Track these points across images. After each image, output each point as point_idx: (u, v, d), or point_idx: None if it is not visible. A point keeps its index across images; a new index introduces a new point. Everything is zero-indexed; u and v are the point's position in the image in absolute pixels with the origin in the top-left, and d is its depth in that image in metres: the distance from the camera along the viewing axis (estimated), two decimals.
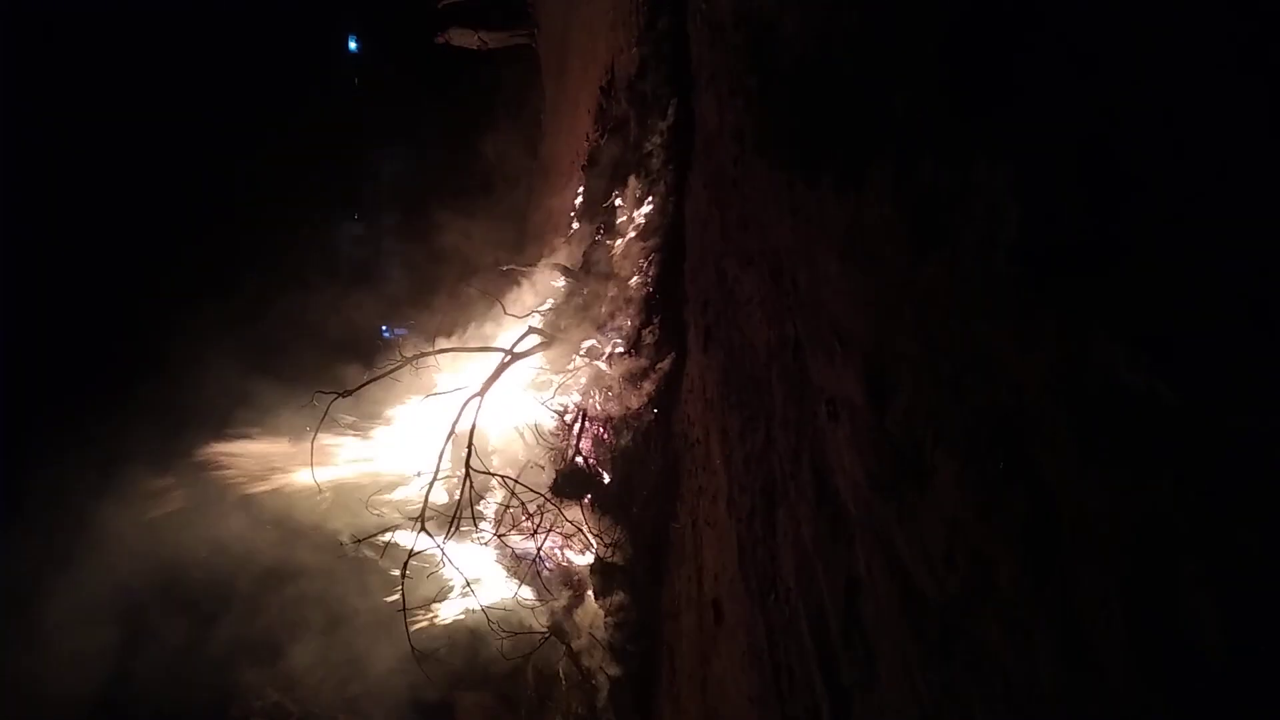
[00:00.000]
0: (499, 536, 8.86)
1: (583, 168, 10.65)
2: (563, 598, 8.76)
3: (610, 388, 8.25)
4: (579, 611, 8.53)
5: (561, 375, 8.87)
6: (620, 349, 8.14)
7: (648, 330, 7.77)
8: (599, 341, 8.45)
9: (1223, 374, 1.83)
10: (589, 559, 8.40)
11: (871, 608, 3.52)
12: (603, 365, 8.35)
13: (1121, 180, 2.15)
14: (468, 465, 8.24)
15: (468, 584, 8.73)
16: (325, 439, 9.16)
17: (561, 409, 9.05)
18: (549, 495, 8.36)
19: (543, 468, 8.74)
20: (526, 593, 9.27)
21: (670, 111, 7.70)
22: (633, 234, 8.35)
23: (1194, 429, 1.89)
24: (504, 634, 8.99)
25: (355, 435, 9.98)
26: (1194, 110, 1.97)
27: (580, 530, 8.28)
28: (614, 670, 8.09)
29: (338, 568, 10.31)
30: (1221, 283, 1.86)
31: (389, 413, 9.84)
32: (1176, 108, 2.02)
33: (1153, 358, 1.99)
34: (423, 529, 8.38)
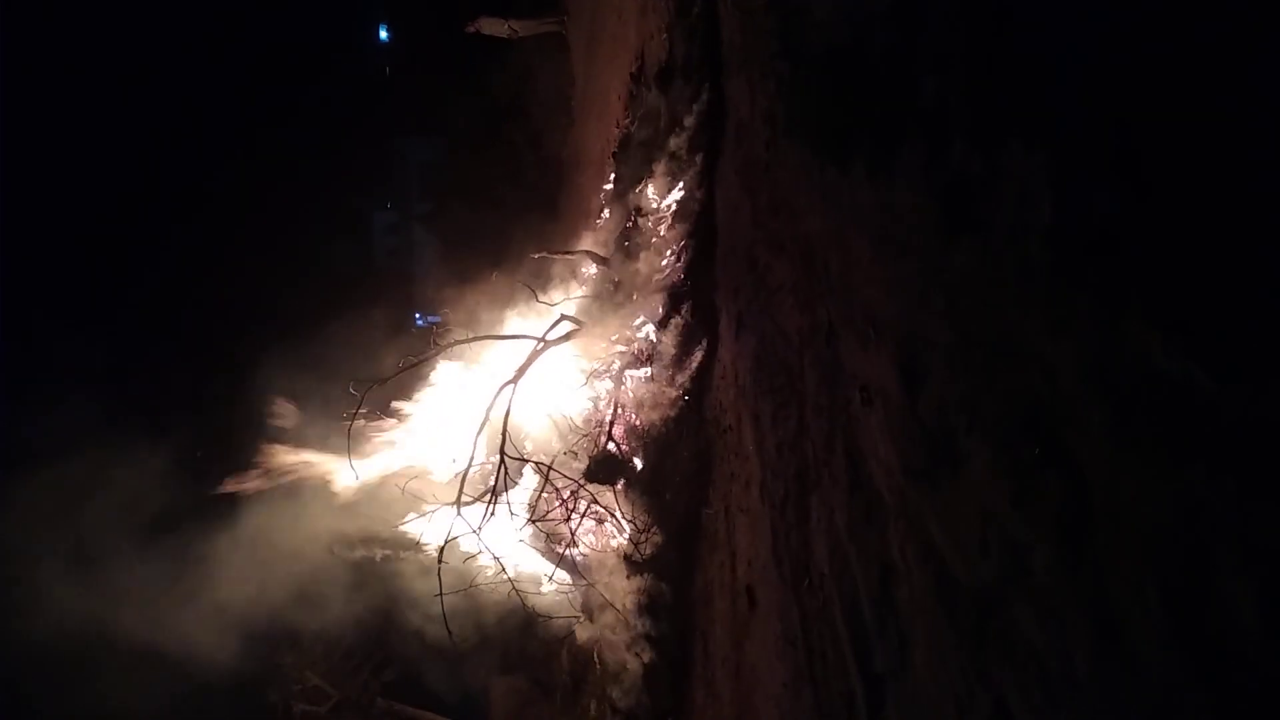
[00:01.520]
0: (534, 522, 8.91)
1: (613, 154, 10.64)
2: (596, 583, 8.80)
3: (642, 374, 8.26)
4: (613, 596, 8.57)
5: (594, 362, 8.89)
6: (652, 336, 8.14)
7: (679, 317, 7.77)
8: (631, 329, 8.46)
9: (1259, 360, 1.82)
10: (623, 544, 8.43)
11: (905, 594, 3.52)
12: (635, 352, 8.37)
13: (1157, 165, 2.13)
14: (502, 452, 8.29)
15: (503, 569, 8.79)
16: (363, 429, 9.27)
17: (594, 396, 9.08)
18: (582, 481, 8.40)
19: (576, 454, 8.77)
20: (561, 577, 9.33)
21: (701, 97, 7.68)
22: (664, 220, 8.34)
23: (1230, 415, 1.87)
24: (539, 619, 9.06)
25: (393, 423, 10.06)
26: (1231, 96, 1.95)
27: (613, 516, 8.31)
28: (647, 655, 8.13)
29: (375, 554, 10.42)
30: (1257, 269, 1.84)
31: (425, 401, 9.90)
32: (1213, 93, 1.99)
33: (1189, 343, 1.97)
34: (459, 515, 8.45)
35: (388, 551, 10.24)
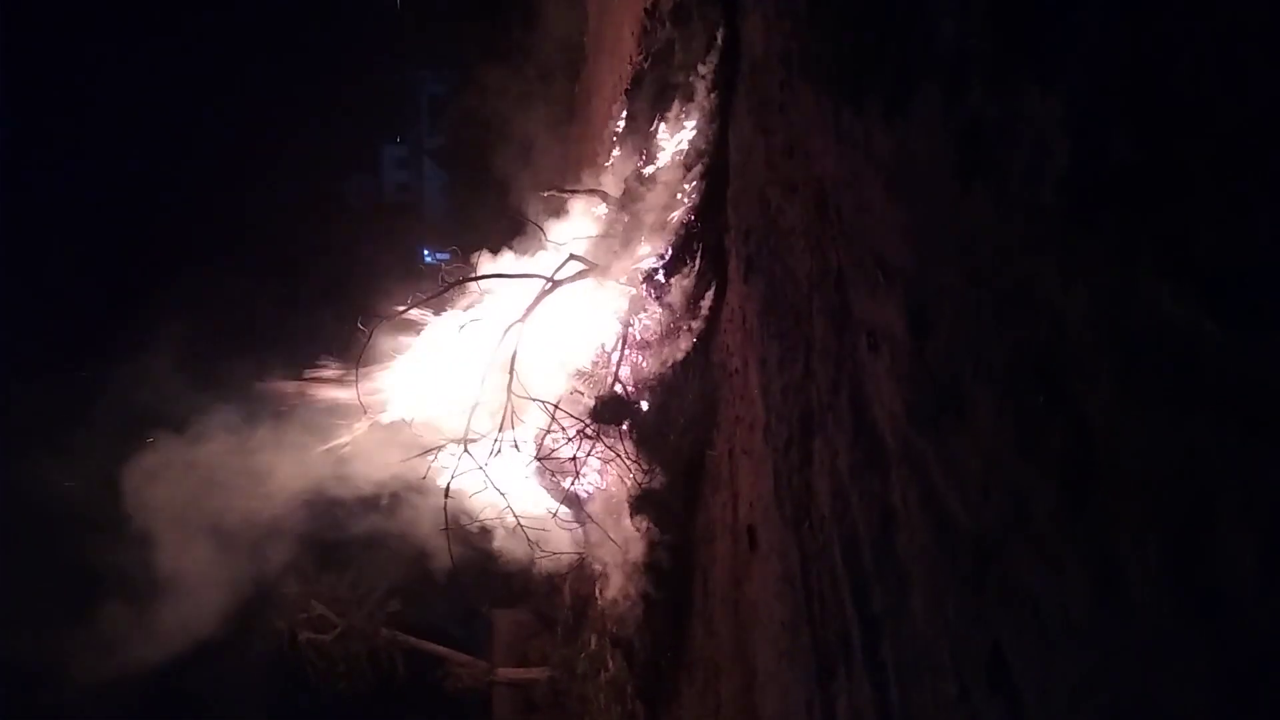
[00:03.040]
0: (539, 459, 8.97)
1: (625, 92, 10.51)
2: (600, 520, 8.90)
3: (650, 316, 8.26)
4: (616, 534, 8.66)
5: (602, 302, 8.88)
6: (661, 277, 8.12)
7: (688, 258, 7.74)
8: (639, 269, 8.44)
9: (1269, 310, 1.81)
10: (627, 483, 8.50)
11: (905, 538, 3.55)
12: (643, 293, 8.35)
13: (1173, 111, 2.10)
14: (509, 391, 8.33)
15: (508, 505, 8.88)
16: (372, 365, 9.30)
17: (602, 336, 9.08)
18: (588, 421, 8.44)
19: (583, 394, 8.81)
20: (565, 514, 9.43)
21: (716, 35, 7.56)
22: (675, 160, 8.26)
23: (1237, 365, 1.87)
24: (542, 554, 9.17)
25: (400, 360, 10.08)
26: (1249, 39, 1.91)
27: (618, 455, 8.37)
28: (649, 591, 8.25)
29: (381, 488, 10.52)
30: (1270, 219, 1.82)
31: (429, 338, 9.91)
32: (1230, 36, 1.95)
33: (1199, 295, 1.96)
34: (465, 451, 8.52)
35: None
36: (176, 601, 12.59)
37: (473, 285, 9.48)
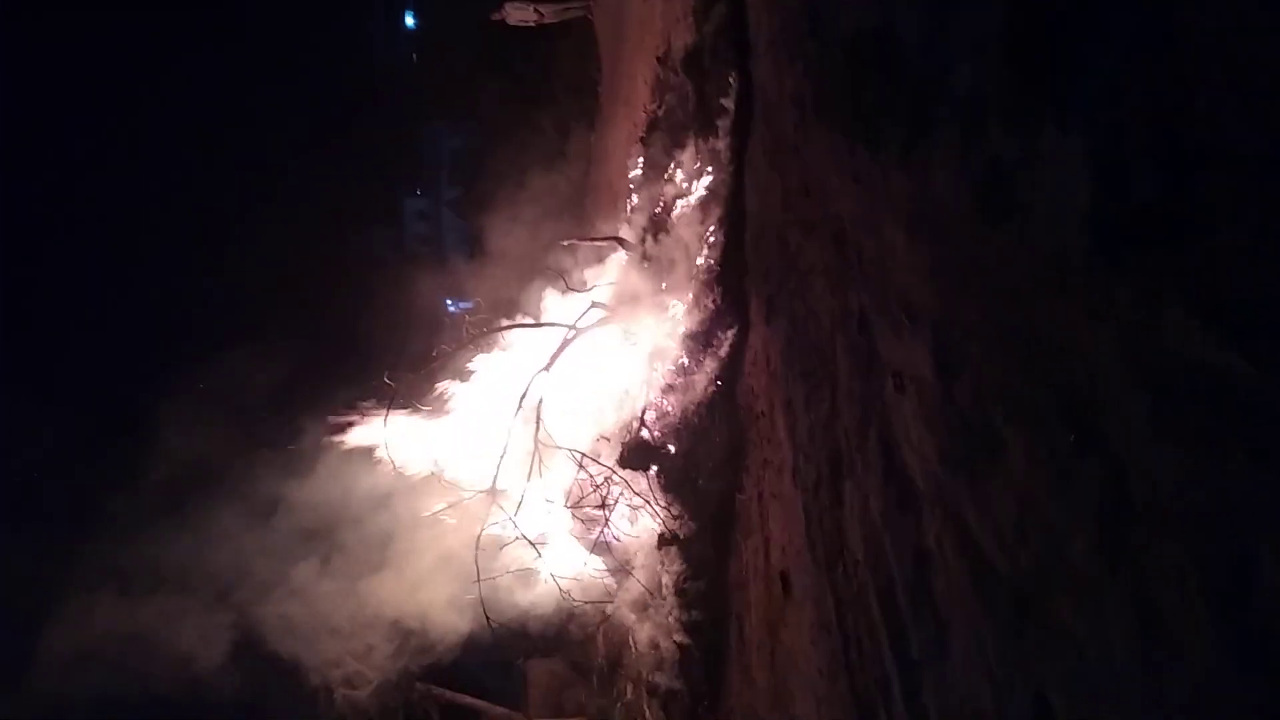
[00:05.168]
0: (568, 508, 8.96)
1: (641, 139, 10.62)
2: (632, 568, 8.84)
3: (674, 361, 8.26)
4: (648, 581, 8.60)
5: (625, 348, 8.90)
6: (683, 321, 8.14)
7: (710, 302, 7.75)
8: (662, 315, 8.46)
9: None
10: (657, 530, 8.46)
11: (941, 581, 3.50)
12: (665, 338, 8.36)
13: (1198, 148, 2.09)
14: (536, 439, 8.34)
15: (539, 554, 8.86)
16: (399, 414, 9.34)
17: (626, 382, 9.09)
18: (616, 468, 8.43)
19: (609, 441, 8.80)
20: (596, 562, 9.38)
21: (729, 80, 7.63)
22: (693, 205, 8.31)
23: (1270, 404, 1.84)
24: (575, 603, 9.12)
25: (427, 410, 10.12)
26: (1267, 72, 1.91)
27: (647, 502, 8.33)
28: (683, 640, 8.16)
29: (412, 539, 10.52)
30: None
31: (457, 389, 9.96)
32: (1256, 72, 1.95)
33: (1229, 332, 1.94)
34: (495, 502, 8.52)
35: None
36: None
37: (497, 335, 9.54)
